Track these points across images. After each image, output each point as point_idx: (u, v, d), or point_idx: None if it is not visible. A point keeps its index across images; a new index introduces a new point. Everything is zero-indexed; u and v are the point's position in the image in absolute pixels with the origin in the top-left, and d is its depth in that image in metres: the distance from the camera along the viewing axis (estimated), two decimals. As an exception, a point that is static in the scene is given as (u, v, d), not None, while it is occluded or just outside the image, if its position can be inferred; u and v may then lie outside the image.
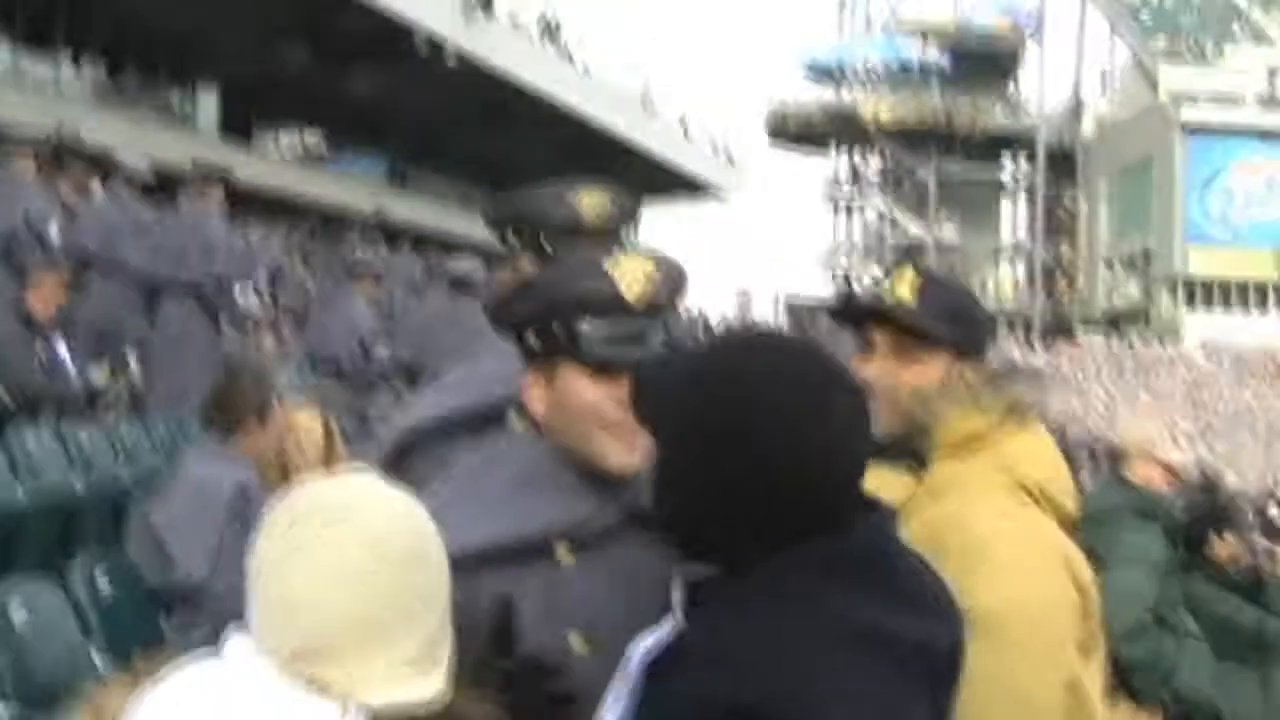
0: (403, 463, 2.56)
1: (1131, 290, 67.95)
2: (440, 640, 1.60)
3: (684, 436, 1.69)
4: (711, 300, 47.31)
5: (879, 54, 70.52)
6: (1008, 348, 52.53)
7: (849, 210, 72.82)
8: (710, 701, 1.52)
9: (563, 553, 1.95)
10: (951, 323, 2.34)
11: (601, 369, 1.97)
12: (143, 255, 9.73)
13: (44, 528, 5.98)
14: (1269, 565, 6.73)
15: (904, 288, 2.35)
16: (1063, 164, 69.72)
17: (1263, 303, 64.35)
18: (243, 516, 4.93)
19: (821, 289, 69.41)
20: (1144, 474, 5.37)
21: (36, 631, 3.91)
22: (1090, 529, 2.90)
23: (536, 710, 1.74)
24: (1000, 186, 73.45)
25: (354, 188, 38.33)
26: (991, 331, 2.50)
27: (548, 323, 2.01)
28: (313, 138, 38.84)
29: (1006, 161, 72.37)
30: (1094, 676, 2.23)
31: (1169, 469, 5.50)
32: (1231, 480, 34.90)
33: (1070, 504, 2.29)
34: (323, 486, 1.64)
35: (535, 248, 2.61)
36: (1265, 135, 63.17)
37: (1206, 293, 64.14)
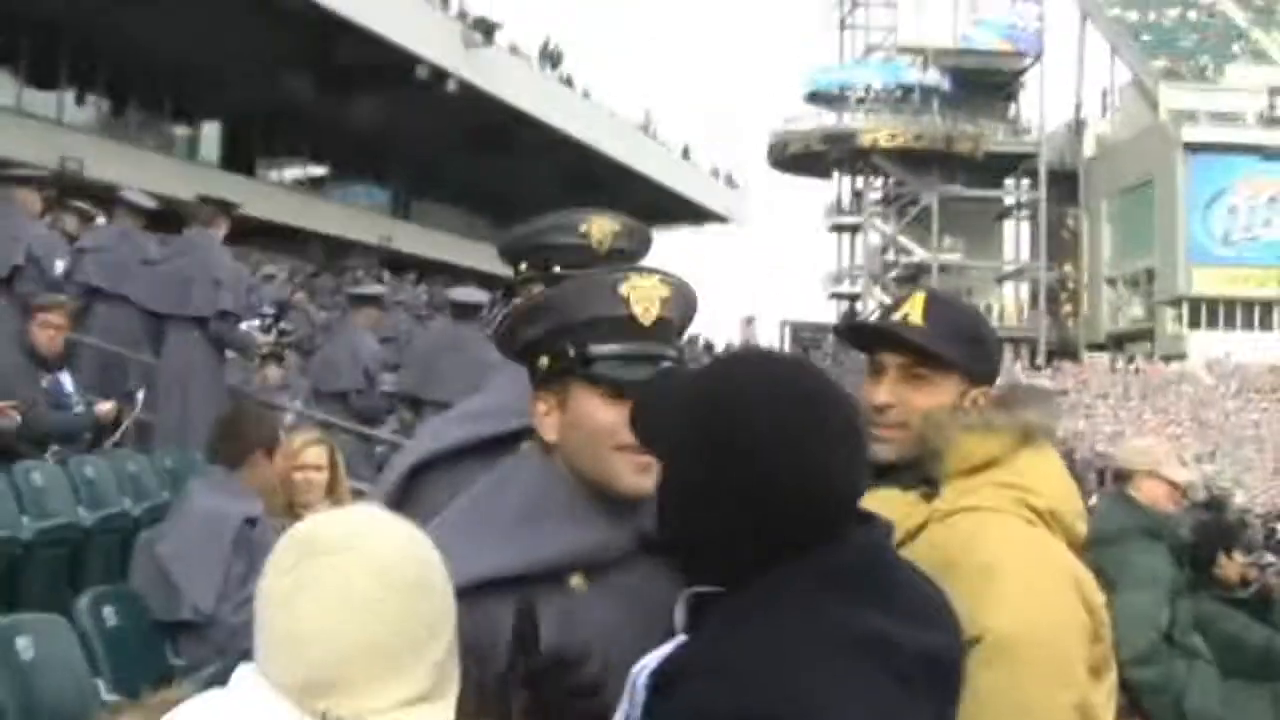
0: (416, 490, 2.56)
1: (1135, 310, 68.01)
2: (448, 670, 1.60)
3: (684, 455, 1.71)
4: (715, 326, 47.36)
5: (880, 78, 70.64)
6: (1013, 370, 52.56)
7: (852, 234, 72.87)
8: (715, 714, 1.54)
9: (576, 580, 1.94)
10: (962, 346, 2.34)
11: (614, 390, 1.96)
12: (148, 288, 9.73)
13: (50, 561, 5.97)
14: (1278, 583, 6.71)
15: (914, 311, 2.34)
16: (1064, 185, 69.85)
17: (1267, 320, 64.35)
18: (249, 549, 4.93)
19: (825, 314, 69.49)
20: (1150, 493, 5.35)
21: (43, 665, 3.90)
22: (1098, 549, 2.90)
23: (561, 705, 1.73)
24: (1002, 208, 73.51)
25: (358, 218, 38.43)
26: (1001, 354, 2.50)
27: (560, 344, 2.00)
28: (316, 168, 38.91)
29: (1008, 183, 72.41)
30: (1105, 699, 2.22)
31: (1175, 488, 5.48)
32: (1239, 499, 34.89)
33: (1081, 526, 2.29)
34: (327, 519, 1.64)
35: (548, 276, 2.60)
36: (1266, 153, 63.21)
37: (1211, 311, 64.13)
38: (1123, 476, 5.50)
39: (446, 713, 1.59)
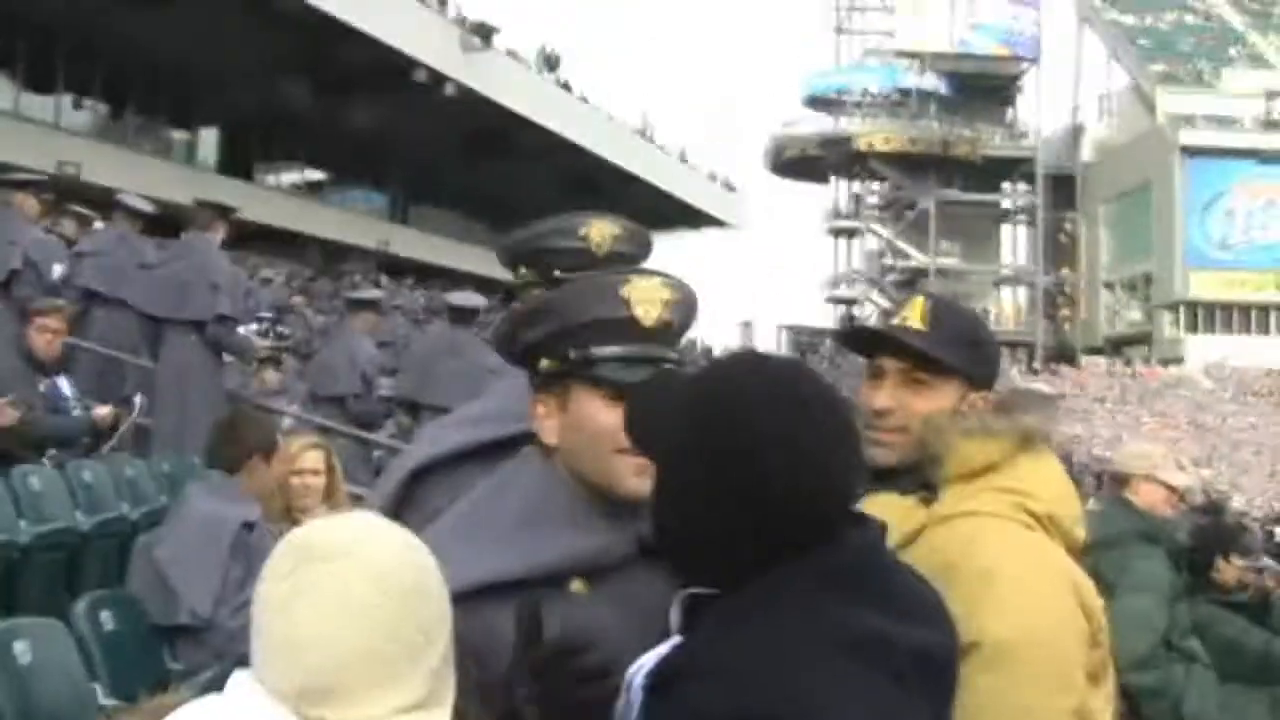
0: (415, 495, 2.56)
1: (1133, 314, 68.09)
2: (443, 677, 1.60)
3: (680, 457, 1.71)
4: (713, 330, 47.37)
5: (878, 82, 70.72)
6: (1010, 374, 52.58)
7: (850, 238, 72.93)
8: (713, 714, 1.54)
9: (576, 585, 1.94)
10: (962, 350, 2.34)
11: (616, 392, 1.96)
12: (145, 292, 9.72)
13: (48, 565, 5.96)
14: (1276, 587, 6.71)
15: (914, 315, 2.34)
16: (1062, 189, 69.95)
17: (1264, 324, 64.44)
18: (247, 553, 4.92)
19: (823, 318, 69.54)
20: (1148, 497, 5.35)
21: (41, 670, 3.90)
22: (1096, 554, 2.90)
23: (568, 691, 1.72)
24: (1000, 212, 73.58)
25: (356, 222, 38.42)
26: (1000, 359, 2.50)
27: (561, 346, 2.00)
28: (314, 172, 38.90)
29: (1006, 187, 72.48)
30: (1103, 704, 2.22)
31: (1173, 492, 5.48)
32: (1237, 502, 34.89)
33: (1079, 531, 2.29)
34: (324, 525, 1.64)
35: (548, 280, 2.60)
36: (1264, 157, 63.28)
37: (1208, 315, 64.20)
38: (1120, 480, 5.49)
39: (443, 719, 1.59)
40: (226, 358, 10.30)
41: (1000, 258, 74.09)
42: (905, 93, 69.97)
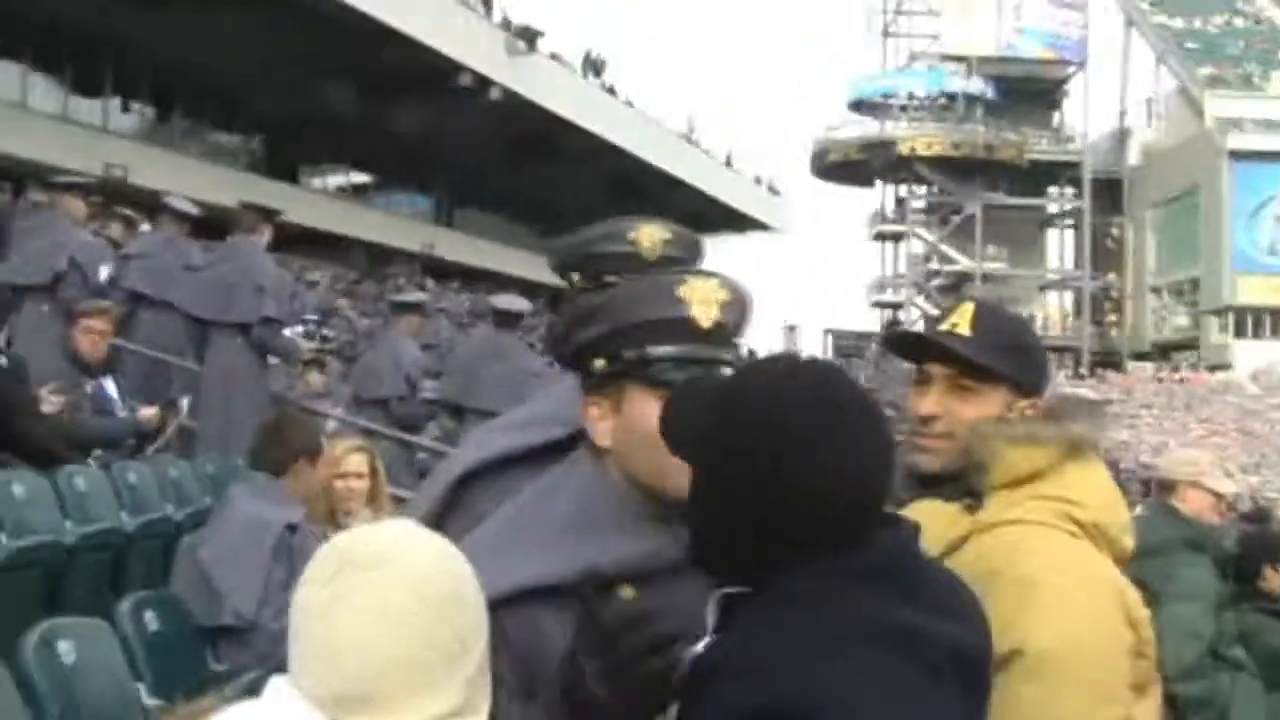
0: (463, 499, 2.55)
1: (1180, 319, 67.58)
2: (480, 685, 1.59)
3: (712, 458, 1.72)
4: (758, 334, 47.33)
5: (923, 86, 70.51)
6: (1056, 379, 52.30)
7: (895, 243, 72.74)
8: (748, 711, 1.55)
9: (626, 591, 1.93)
10: (1009, 357, 2.31)
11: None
12: (191, 294, 9.78)
13: (93, 566, 5.99)
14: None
15: (962, 321, 2.32)
16: (1109, 193, 69.52)
17: (1313, 331, 63.82)
18: (290, 555, 4.94)
19: (868, 322, 69.39)
20: (1194, 505, 5.31)
21: (85, 669, 3.91)
22: (1142, 561, 2.87)
23: (641, 661, 1.69)
24: (1046, 216, 73.25)
25: (400, 225, 38.55)
26: (1048, 366, 2.48)
27: (616, 346, 1.98)
28: (359, 175, 39.06)
29: (1052, 191, 72.13)
30: (1149, 716, 2.20)
31: (1219, 499, 5.44)
32: (1285, 510, 34.56)
33: (1127, 540, 2.27)
34: (363, 533, 1.65)
35: (599, 286, 2.59)
36: (1313, 162, 62.73)
37: (1256, 321, 63.68)
38: (1166, 487, 5.46)
39: None
40: (272, 360, 10.34)
41: (1046, 262, 73.78)
42: (951, 96, 69.73)
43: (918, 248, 71.38)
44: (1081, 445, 2.25)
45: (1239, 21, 71.22)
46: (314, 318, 20.79)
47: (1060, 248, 73.93)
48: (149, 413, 8.47)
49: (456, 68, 29.47)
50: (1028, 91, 70.14)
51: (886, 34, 73.03)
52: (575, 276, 2.69)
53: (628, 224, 2.66)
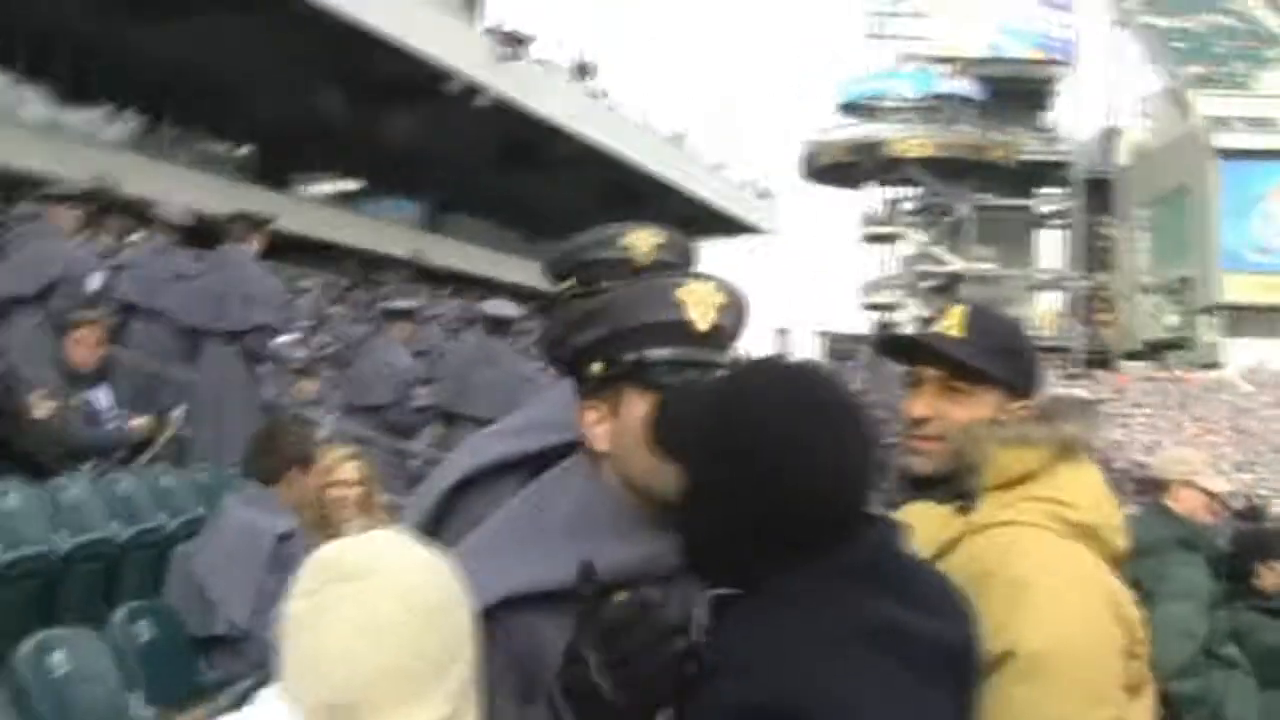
0: (457, 506, 2.55)
1: (1171, 318, 67.65)
2: (467, 693, 1.60)
3: (700, 461, 1.74)
4: (750, 337, 47.27)
5: (912, 88, 70.57)
6: (1048, 379, 52.33)
7: (886, 244, 72.78)
8: (742, 710, 1.57)
9: (620, 596, 1.92)
10: (1001, 359, 2.32)
11: None
12: (183, 304, 9.77)
13: (86, 576, 5.98)
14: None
15: (954, 323, 2.33)
16: (1098, 193, 69.62)
17: (1304, 328, 63.89)
18: (284, 565, 4.93)
19: (860, 324, 69.40)
20: (1187, 503, 5.32)
21: (78, 680, 3.91)
22: (1135, 561, 2.87)
23: (650, 649, 1.67)
24: (1036, 217, 73.34)
25: (391, 232, 38.52)
26: (1040, 368, 2.48)
27: (615, 349, 1.98)
28: (349, 183, 39.02)
29: (1042, 191, 72.23)
30: (1142, 715, 2.20)
31: (1212, 498, 5.45)
32: (1278, 507, 34.63)
33: (1121, 541, 2.27)
34: (351, 543, 1.66)
35: (593, 292, 2.59)
36: (1302, 160, 62.85)
37: (1247, 319, 63.76)
38: (1159, 486, 5.47)
39: None
40: (262, 368, 10.33)
41: (1037, 262, 73.85)
42: (940, 98, 69.77)
43: (909, 249, 71.42)
44: (1073, 446, 2.26)
45: (1226, 20, 71.32)
46: (306, 325, 20.70)
47: (1051, 248, 74.04)
48: (140, 423, 8.46)
49: (445, 74, 29.47)
50: (1017, 92, 70.21)
51: (875, 36, 73.11)
52: (568, 282, 2.69)
53: (620, 230, 2.66)
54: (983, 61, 68.95)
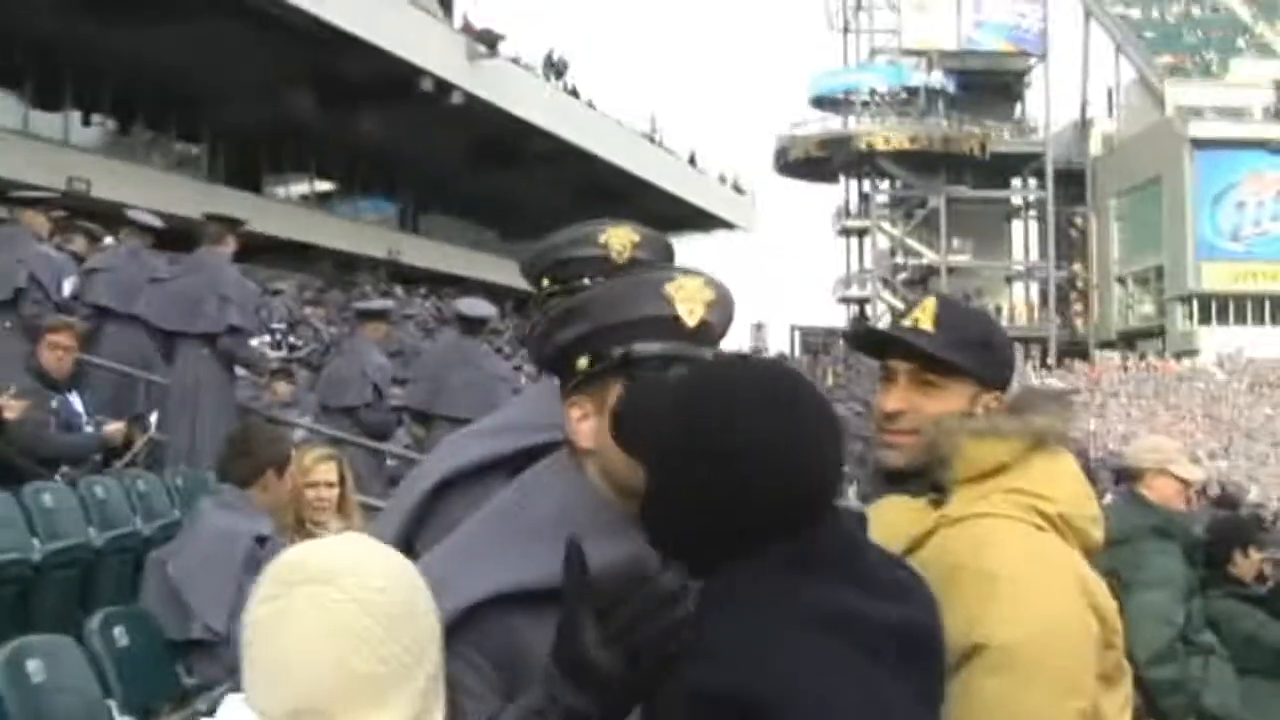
0: (438, 507, 2.54)
1: (1146, 307, 67.99)
2: (431, 695, 1.59)
3: (663, 457, 1.73)
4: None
5: (885, 81, 70.68)
6: (1023, 370, 52.50)
7: (860, 238, 72.89)
8: (701, 696, 1.58)
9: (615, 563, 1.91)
10: (972, 352, 2.32)
11: None
12: (157, 307, 9.73)
13: (61, 582, 5.96)
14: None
15: (924, 317, 2.33)
16: (1072, 184, 69.84)
17: (1277, 315, 64.32)
18: (260, 568, 4.90)
19: (835, 318, 69.54)
20: (1161, 492, 5.34)
21: (55, 687, 3.89)
22: (1111, 550, 2.88)
23: (652, 617, 1.61)
24: (1010, 208, 73.54)
25: (365, 232, 38.44)
26: (1013, 360, 2.48)
27: (601, 344, 1.96)
28: (323, 183, 38.92)
29: (1015, 183, 72.41)
30: (1118, 705, 2.21)
31: (1186, 485, 5.47)
32: (1253, 494, 34.82)
33: (1096, 531, 2.27)
34: (312, 547, 1.64)
35: (570, 289, 2.59)
36: (1273, 148, 63.20)
37: (1221, 307, 64.11)
38: (1134, 475, 5.48)
39: None
40: (238, 371, 10.30)
41: (1011, 254, 74.01)
42: (912, 91, 69.88)
43: (883, 242, 71.51)
44: (1046, 437, 2.26)
45: (1196, 10, 71.65)
46: (281, 327, 20.71)
47: (1025, 239, 74.16)
48: (115, 428, 8.42)
49: (418, 73, 29.39)
50: (989, 84, 70.32)
51: (847, 30, 73.20)
52: (545, 281, 2.69)
53: (597, 227, 2.65)
54: (954, 54, 69.03)
